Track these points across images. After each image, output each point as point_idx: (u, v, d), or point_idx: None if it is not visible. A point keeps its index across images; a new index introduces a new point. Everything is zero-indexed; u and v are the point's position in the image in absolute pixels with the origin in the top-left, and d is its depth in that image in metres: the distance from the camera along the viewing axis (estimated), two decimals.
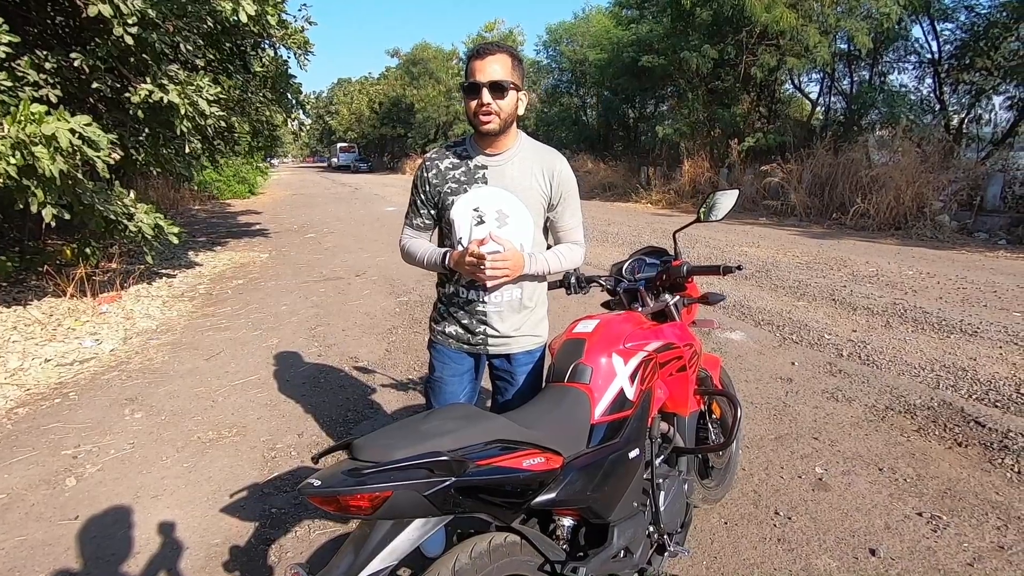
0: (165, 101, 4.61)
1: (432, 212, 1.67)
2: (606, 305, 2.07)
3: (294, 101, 8.01)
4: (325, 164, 57.57)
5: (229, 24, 5.48)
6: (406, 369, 3.78)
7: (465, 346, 1.72)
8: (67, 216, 4.19)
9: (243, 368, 3.87)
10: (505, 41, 31.39)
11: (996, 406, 2.93)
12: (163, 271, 6.86)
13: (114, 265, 6.48)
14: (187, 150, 5.29)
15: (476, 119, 1.51)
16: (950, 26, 12.92)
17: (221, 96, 5.22)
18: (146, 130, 5.34)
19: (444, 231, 1.69)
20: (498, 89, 1.48)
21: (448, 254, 1.60)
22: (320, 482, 1.01)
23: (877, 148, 11.97)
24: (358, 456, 1.09)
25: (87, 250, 5.96)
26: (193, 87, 4.74)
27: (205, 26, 4.97)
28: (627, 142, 20.23)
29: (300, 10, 6.76)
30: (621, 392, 1.52)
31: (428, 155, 1.67)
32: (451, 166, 1.61)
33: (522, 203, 1.59)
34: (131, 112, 4.76)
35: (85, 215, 4.43)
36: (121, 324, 4.84)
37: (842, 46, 13.03)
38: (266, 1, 5.33)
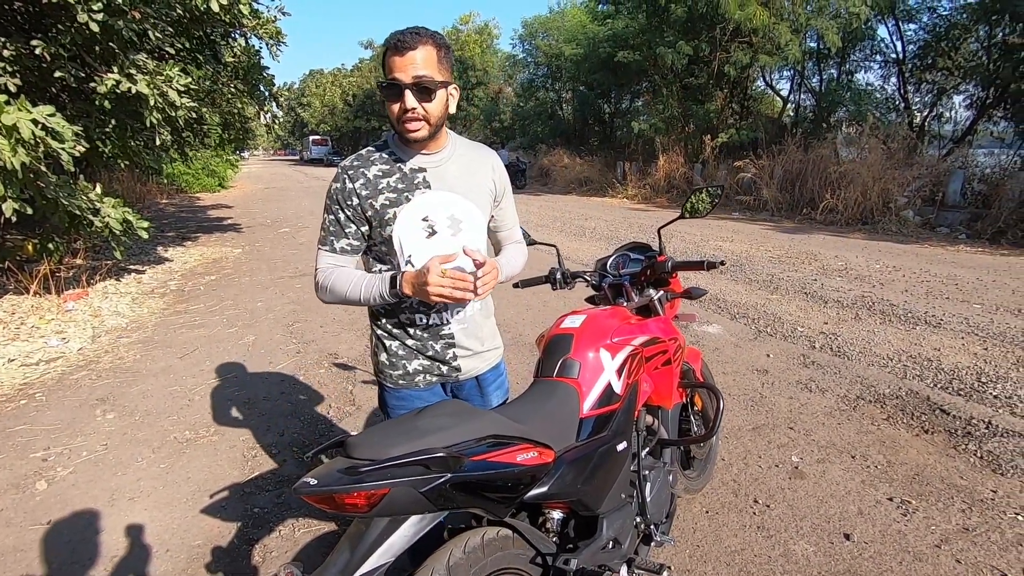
0: (133, 91, 4.47)
1: (363, 230, 1.35)
2: (590, 300, 2.09)
3: (267, 93, 7.83)
4: (297, 157, 56.54)
5: (199, 12, 5.32)
6: None
7: (436, 378, 1.48)
8: (29, 211, 4.03)
9: (219, 366, 3.79)
10: (480, 34, 31.39)
11: (960, 394, 3.05)
12: (131, 267, 6.66)
13: (79, 261, 6.27)
14: (157, 142, 5.14)
15: (400, 125, 1.26)
16: (914, 27, 13.35)
17: (192, 87, 5.07)
18: (113, 121, 5.16)
19: (379, 254, 1.40)
20: (424, 91, 1.22)
21: (398, 278, 1.28)
22: (316, 481, 1.00)
23: (845, 145, 12.31)
24: (353, 454, 1.08)
25: (50, 245, 5.74)
26: (163, 77, 4.61)
27: (175, 14, 4.82)
28: (602, 137, 20.36)
29: (273, 0, 6.57)
30: (609, 386, 1.54)
31: (345, 163, 1.36)
32: (381, 173, 1.33)
33: (474, 204, 1.40)
34: (97, 103, 4.60)
35: (48, 210, 4.28)
36: (89, 322, 4.69)
37: (812, 44, 13.34)
38: None
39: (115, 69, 4.46)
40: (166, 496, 2.39)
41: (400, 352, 1.45)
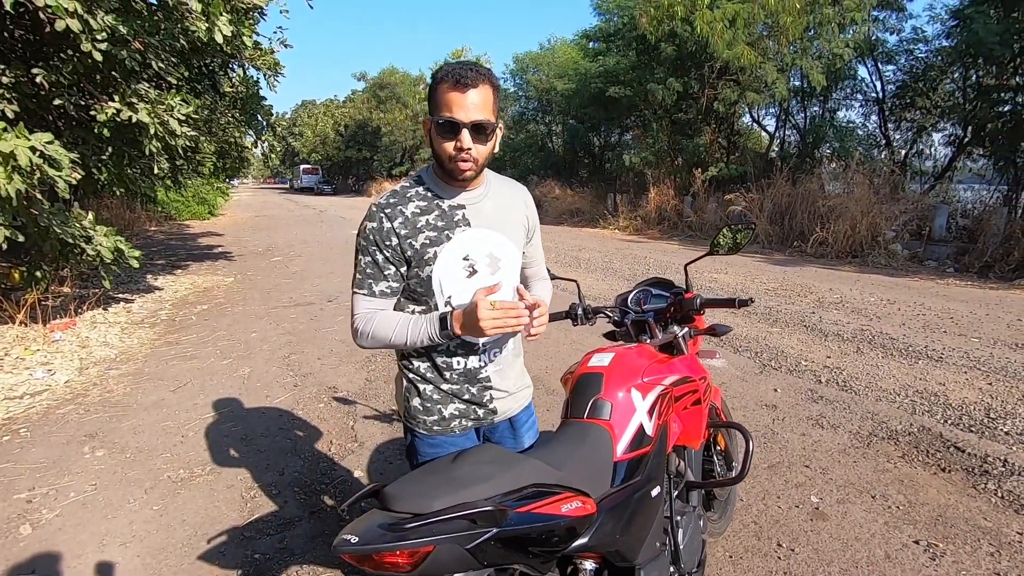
0: (134, 120, 4.44)
1: (402, 271, 1.29)
2: (610, 336, 2.05)
3: (264, 123, 7.85)
4: (286, 185, 56.68)
5: (201, 43, 5.35)
6: (388, 399, 3.65)
7: (471, 422, 1.41)
8: (21, 238, 3.94)
9: (214, 400, 3.67)
10: None
11: (971, 431, 3.03)
12: (120, 296, 6.51)
13: (67, 289, 6.12)
14: (155, 171, 5.09)
15: (452, 164, 1.22)
16: (892, 67, 13.85)
17: (191, 116, 5.06)
18: (111, 149, 5.11)
19: (413, 294, 1.33)
20: (481, 132, 1.20)
21: (448, 319, 1.23)
22: (357, 538, 0.93)
23: (831, 180, 12.60)
24: (392, 506, 1.02)
25: (37, 273, 5.60)
26: (164, 106, 4.58)
27: (178, 44, 4.83)
28: (592, 169, 20.67)
29: (275, 32, 6.66)
30: (641, 428, 1.49)
31: (381, 201, 1.28)
32: (419, 210, 1.28)
33: (511, 241, 1.36)
34: (96, 130, 4.55)
35: (39, 237, 4.18)
36: (76, 353, 4.54)
37: (796, 83, 13.77)
38: (242, 22, 5.24)
39: (116, 98, 4.43)
40: (160, 541, 2.26)
41: (435, 396, 1.38)
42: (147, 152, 4.77)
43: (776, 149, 15.47)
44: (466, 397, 1.39)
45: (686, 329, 1.87)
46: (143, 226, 14.62)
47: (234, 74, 7.61)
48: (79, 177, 4.46)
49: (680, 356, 1.74)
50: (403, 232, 1.26)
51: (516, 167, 23.64)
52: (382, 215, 1.27)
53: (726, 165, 13.47)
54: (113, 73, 4.48)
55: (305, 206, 26.03)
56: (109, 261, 4.71)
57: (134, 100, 4.44)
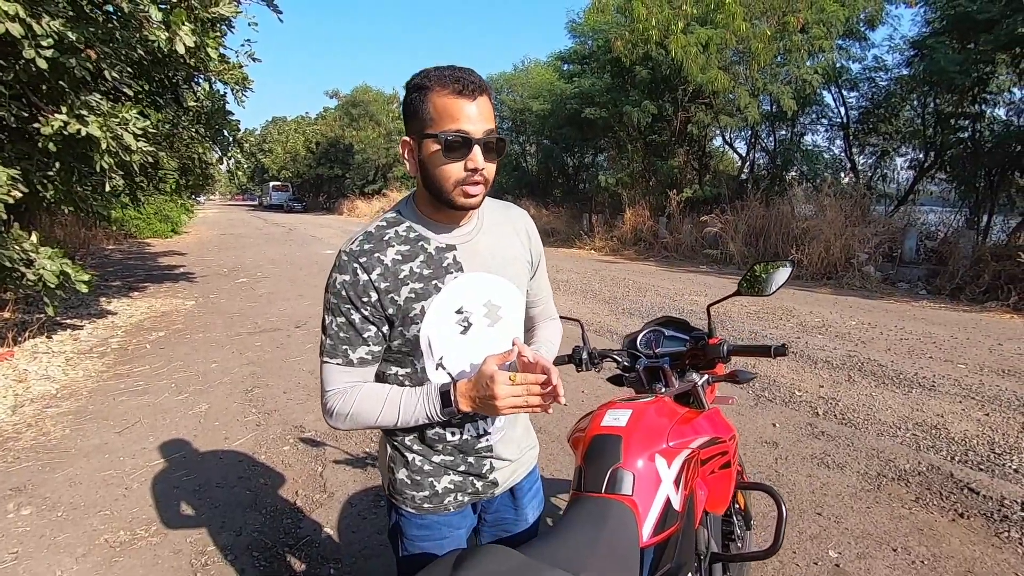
0: (83, 133, 4.08)
1: (383, 331, 1.06)
2: (615, 380, 1.83)
3: (231, 138, 7.50)
4: (255, 202, 55.55)
5: (162, 54, 5.03)
6: (360, 440, 3.35)
7: (469, 497, 1.19)
8: None
9: (165, 443, 3.30)
10: None
11: (981, 469, 2.89)
12: (68, 321, 6.03)
13: (7, 315, 5.63)
14: (107, 188, 4.71)
15: (457, 189, 0.99)
16: (855, 94, 14.29)
17: (149, 130, 4.71)
18: (58, 164, 4.72)
19: (395, 357, 1.10)
20: (491, 149, 1.00)
21: (452, 393, 1.01)
22: None
23: (802, 202, 12.81)
24: None
25: None
26: (118, 119, 4.24)
27: (135, 54, 4.51)
28: (566, 189, 20.73)
29: (243, 45, 6.36)
30: (668, 503, 1.26)
31: (354, 248, 1.04)
32: (401, 256, 1.04)
33: (511, 283, 1.14)
34: (40, 144, 4.18)
35: None
36: (11, 388, 4.10)
37: (766, 107, 14.07)
38: (207, 33, 4.95)
39: (64, 109, 4.08)
40: None
41: (426, 468, 1.14)
42: (99, 168, 4.40)
43: (747, 171, 15.75)
44: (462, 469, 1.16)
45: (706, 377, 1.66)
46: (100, 244, 13.93)
47: (199, 88, 7.26)
48: (20, 195, 4.09)
49: (705, 412, 1.52)
50: (383, 285, 1.02)
51: (490, 187, 23.58)
52: (355, 265, 1.02)
53: (700, 187, 13.60)
54: (61, 83, 4.14)
55: (274, 224, 25.38)
56: (53, 286, 4.30)
57: (84, 112, 4.09)
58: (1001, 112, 11.68)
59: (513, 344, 1.04)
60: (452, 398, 1.01)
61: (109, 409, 3.82)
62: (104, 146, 4.20)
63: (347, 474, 2.95)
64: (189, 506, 2.66)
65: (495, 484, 1.21)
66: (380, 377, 1.13)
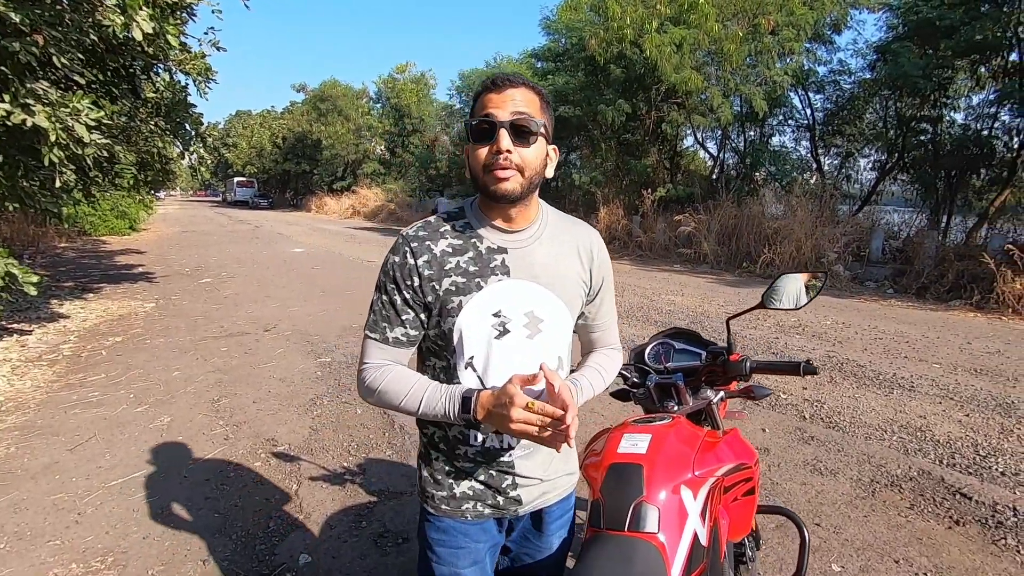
0: (29, 124, 3.77)
1: (422, 318, 1.07)
2: (619, 395, 1.72)
3: (193, 132, 7.13)
4: (219, 198, 53.96)
5: (117, 41, 4.71)
6: (338, 452, 3.16)
7: (488, 509, 1.14)
8: None
9: (123, 461, 3.05)
10: (417, 83, 31.65)
11: (970, 473, 2.90)
12: (15, 326, 5.62)
13: None
14: (58, 183, 4.37)
15: (488, 174, 0.99)
16: (821, 97, 14.62)
17: (104, 122, 4.39)
18: (1, 157, 4.36)
19: (433, 347, 1.11)
20: (522, 133, 0.98)
21: (473, 401, 0.98)
22: None
23: (773, 202, 13.04)
24: None
25: None
26: (68, 109, 3.93)
27: (88, 40, 4.19)
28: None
29: (206, 34, 6.03)
30: (696, 539, 1.15)
31: (410, 232, 1.08)
32: (452, 249, 1.06)
33: (560, 300, 1.09)
34: None
35: None
36: None
37: (737, 108, 14.26)
38: (167, 19, 4.65)
39: (7, 98, 3.75)
40: None
41: (447, 468, 1.14)
42: (47, 162, 4.08)
43: (717, 171, 15.95)
44: (482, 478, 1.13)
45: (720, 393, 1.56)
46: (51, 242, 13.20)
47: (158, 78, 6.87)
48: None
49: (727, 435, 1.42)
50: (427, 272, 1.05)
51: (463, 184, 23.36)
52: (407, 249, 1.06)
53: (674, 186, 13.69)
54: (3, 68, 3.80)
55: (239, 221, 24.60)
56: None
57: (30, 101, 3.77)
58: (959, 116, 12.11)
59: (540, 368, 0.95)
60: (472, 405, 0.99)
61: (60, 423, 3.53)
62: (53, 138, 3.89)
63: (324, 492, 2.77)
64: (149, 533, 2.43)
65: (518, 502, 1.15)
66: (422, 364, 1.16)
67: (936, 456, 3.08)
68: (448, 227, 1.08)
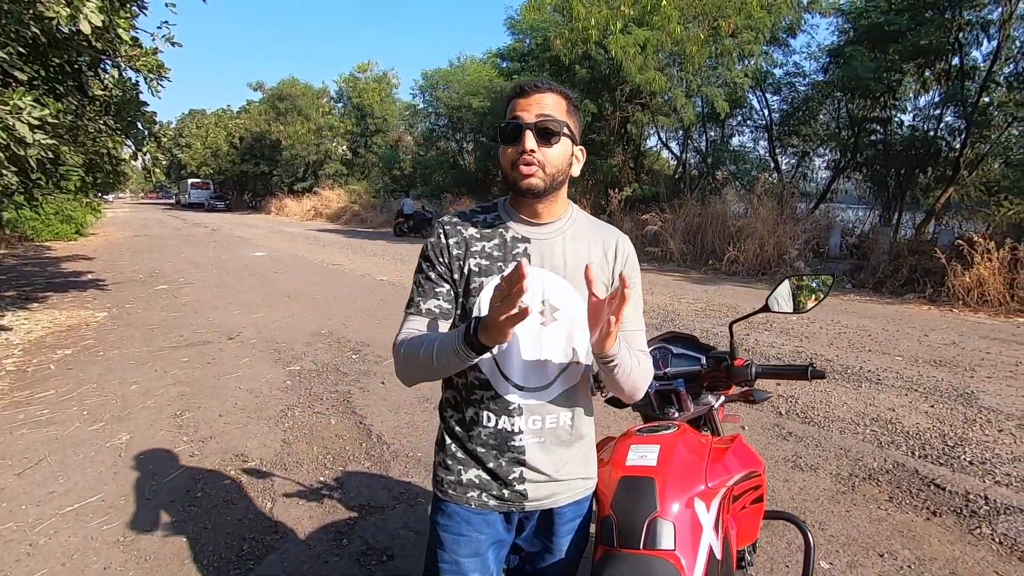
0: None
1: (456, 291, 1.16)
2: (613, 403, 1.68)
3: (146, 132, 6.78)
4: (172, 201, 51.99)
5: (62, 35, 4.42)
6: (313, 466, 3.03)
7: (492, 500, 1.15)
8: None
9: (78, 484, 2.85)
10: (379, 83, 31.15)
11: (941, 464, 2.98)
12: None
13: None
14: None
15: (514, 171, 1.08)
16: (777, 98, 15.06)
17: (49, 121, 4.11)
18: None
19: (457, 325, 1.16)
20: (546, 134, 1.06)
21: (478, 323, 0.96)
22: None
23: (735, 201, 13.36)
24: None
25: None
26: (8, 107, 3.66)
27: (28, 33, 3.91)
28: (506, 187, 20.65)
29: (160, 27, 5.72)
30: (711, 553, 1.11)
31: (447, 218, 1.20)
32: (479, 236, 1.15)
33: (578, 293, 1.12)
34: None
35: None
36: None
37: (699, 109, 14.55)
38: (116, 12, 4.39)
39: None
40: None
41: (458, 455, 1.18)
42: None
43: (680, 171, 16.24)
44: (491, 466, 1.15)
45: (721, 399, 1.54)
46: None
47: (107, 75, 6.50)
48: None
49: (734, 443, 1.39)
50: (455, 252, 1.15)
51: (428, 184, 23.14)
52: (441, 231, 1.18)
53: (639, 186, 13.85)
54: None
55: (195, 224, 23.70)
56: None
57: None
58: (908, 118, 12.68)
59: (566, 346, 1.11)
60: (473, 325, 0.96)
61: (6, 446, 3.27)
62: None
63: (301, 508, 2.64)
64: (109, 564, 2.26)
65: (523, 496, 1.15)
66: None
67: (908, 448, 3.17)
68: (481, 217, 1.18)
